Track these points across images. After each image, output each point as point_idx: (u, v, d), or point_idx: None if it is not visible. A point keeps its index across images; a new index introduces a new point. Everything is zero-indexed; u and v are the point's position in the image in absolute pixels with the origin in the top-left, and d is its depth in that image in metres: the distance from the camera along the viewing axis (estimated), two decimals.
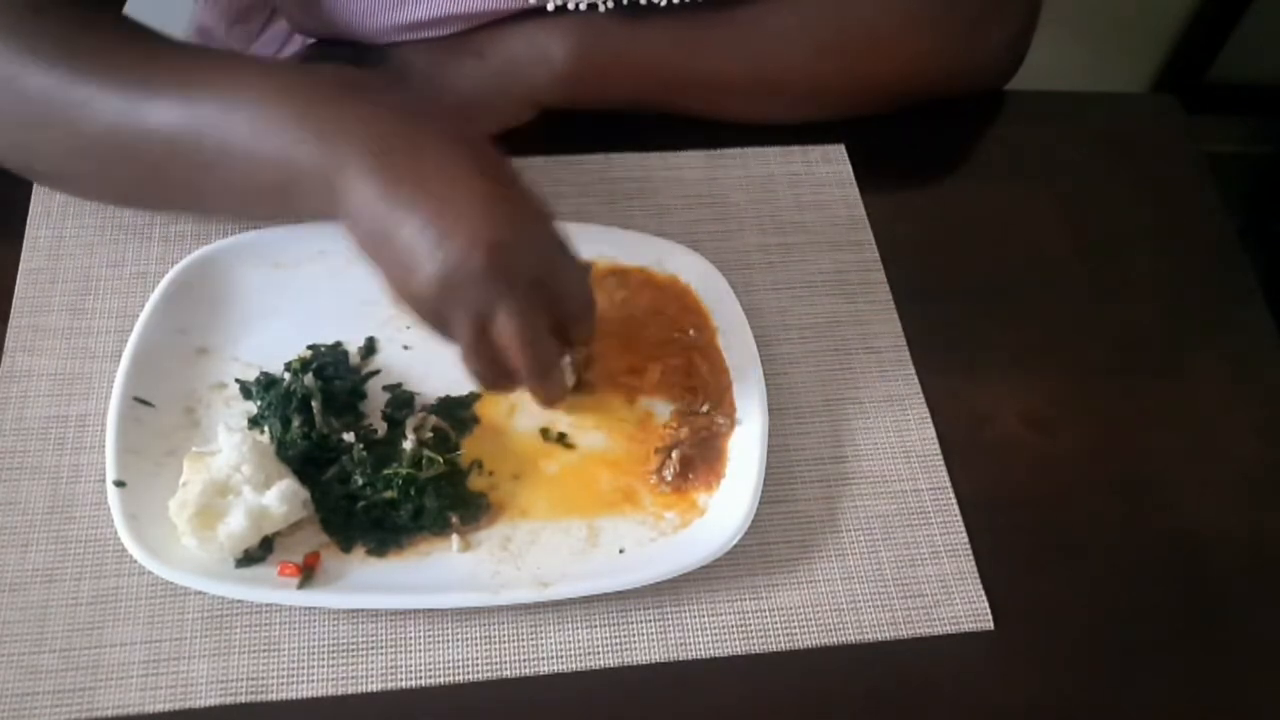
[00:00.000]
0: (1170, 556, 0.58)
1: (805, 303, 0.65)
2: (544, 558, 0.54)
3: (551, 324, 0.51)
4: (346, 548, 0.53)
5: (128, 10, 0.58)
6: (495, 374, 0.51)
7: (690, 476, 0.57)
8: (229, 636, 0.52)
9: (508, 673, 0.52)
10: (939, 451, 0.60)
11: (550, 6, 0.64)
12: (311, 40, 0.73)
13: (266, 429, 0.56)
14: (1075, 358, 0.65)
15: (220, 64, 0.54)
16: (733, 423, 0.58)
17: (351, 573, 0.53)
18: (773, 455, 0.57)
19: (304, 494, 0.53)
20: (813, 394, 0.61)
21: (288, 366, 0.58)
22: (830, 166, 0.70)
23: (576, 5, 0.64)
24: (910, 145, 0.72)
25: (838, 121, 0.71)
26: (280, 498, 0.51)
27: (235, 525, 0.51)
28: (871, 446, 0.60)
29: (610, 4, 0.64)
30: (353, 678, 0.51)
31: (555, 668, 0.52)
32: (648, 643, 0.53)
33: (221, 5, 0.83)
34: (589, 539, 0.55)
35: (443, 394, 0.58)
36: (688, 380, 0.60)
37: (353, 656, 0.52)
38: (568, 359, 0.56)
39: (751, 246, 0.66)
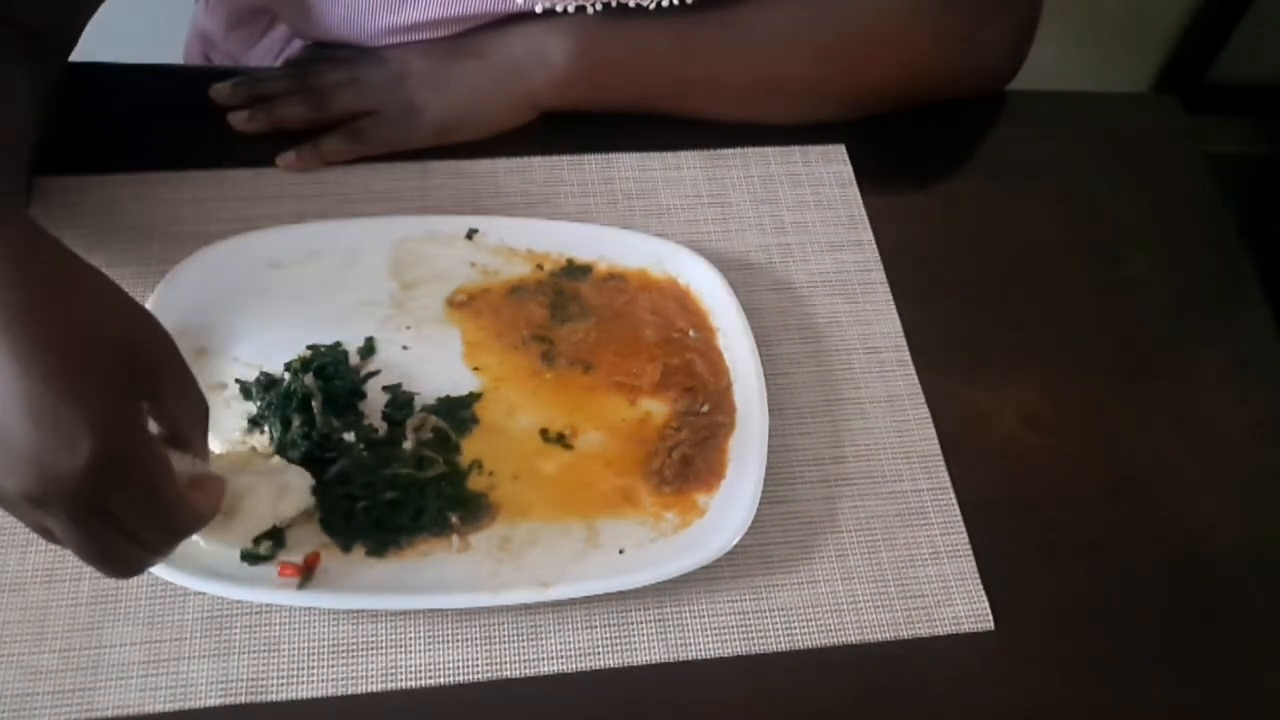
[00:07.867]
0: (1170, 556, 0.58)
1: (805, 303, 0.65)
2: (544, 558, 0.54)
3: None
4: (346, 548, 0.53)
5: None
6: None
7: (690, 476, 0.57)
8: (229, 636, 0.52)
9: (508, 673, 0.52)
10: (939, 451, 0.60)
11: (539, 8, 0.64)
12: (310, 43, 0.73)
13: (266, 429, 0.56)
14: (1075, 358, 0.65)
15: None
16: (733, 423, 0.58)
17: (351, 573, 0.53)
18: (773, 455, 0.57)
19: (310, 480, 0.53)
20: (813, 394, 0.61)
21: (288, 366, 0.58)
22: (830, 166, 0.70)
23: (565, 8, 0.64)
24: (910, 145, 0.72)
25: (838, 121, 0.71)
26: (299, 475, 0.52)
27: (258, 503, 0.51)
28: (871, 446, 0.60)
29: (599, 6, 0.64)
30: (353, 678, 0.51)
31: (555, 668, 0.52)
32: (648, 643, 0.53)
33: (222, 11, 0.83)
34: (589, 539, 0.55)
35: (443, 394, 0.58)
36: (688, 380, 0.60)
37: (353, 657, 0.52)
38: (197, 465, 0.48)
39: (751, 246, 0.66)
